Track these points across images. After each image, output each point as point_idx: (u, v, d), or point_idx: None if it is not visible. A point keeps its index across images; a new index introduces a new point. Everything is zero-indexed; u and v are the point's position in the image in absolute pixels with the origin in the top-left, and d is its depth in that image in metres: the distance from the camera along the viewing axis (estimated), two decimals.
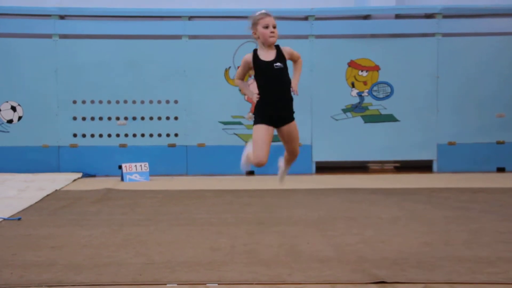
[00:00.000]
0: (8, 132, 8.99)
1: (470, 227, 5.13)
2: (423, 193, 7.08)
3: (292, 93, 4.64)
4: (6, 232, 5.04)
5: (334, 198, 6.81)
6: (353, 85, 9.24)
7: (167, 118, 9.13)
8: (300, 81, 4.83)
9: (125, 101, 9.09)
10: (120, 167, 8.69)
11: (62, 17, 9.08)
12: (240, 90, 9.07)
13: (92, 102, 9.06)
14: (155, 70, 9.07)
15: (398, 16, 9.49)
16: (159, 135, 9.16)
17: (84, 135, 9.08)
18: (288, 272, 3.83)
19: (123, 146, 9.13)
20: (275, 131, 4.69)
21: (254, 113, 4.65)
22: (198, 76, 9.10)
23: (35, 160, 8.97)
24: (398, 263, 4.01)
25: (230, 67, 9.11)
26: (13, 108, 8.98)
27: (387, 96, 9.25)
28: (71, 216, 5.77)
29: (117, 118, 9.12)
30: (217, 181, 8.43)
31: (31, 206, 6.33)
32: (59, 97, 9.00)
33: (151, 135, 9.15)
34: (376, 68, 9.22)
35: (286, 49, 4.63)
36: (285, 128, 4.68)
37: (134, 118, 9.12)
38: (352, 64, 9.21)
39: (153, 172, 8.77)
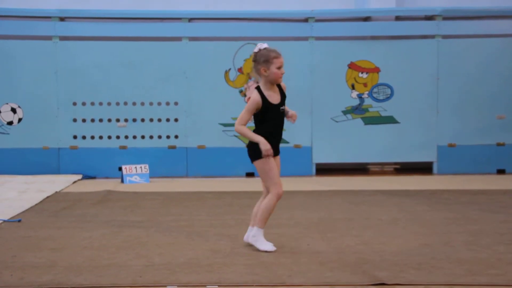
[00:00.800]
0: (8, 134, 8.99)
1: (470, 229, 5.13)
2: (423, 195, 7.08)
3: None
4: (6, 234, 5.05)
5: (334, 199, 6.81)
6: (353, 87, 9.24)
7: (167, 120, 9.13)
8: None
9: (125, 103, 9.09)
10: (120, 169, 8.69)
11: (62, 19, 9.08)
12: (240, 93, 9.10)
13: (92, 104, 9.06)
14: (155, 72, 9.07)
15: (398, 18, 9.49)
16: (159, 137, 9.16)
17: (84, 137, 9.08)
18: (288, 274, 3.83)
19: (123, 148, 9.13)
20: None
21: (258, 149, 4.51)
22: (198, 78, 9.10)
23: (35, 162, 8.97)
24: (398, 264, 4.01)
25: (230, 69, 9.11)
26: (13, 110, 8.98)
27: (387, 98, 9.25)
28: (71, 218, 5.77)
29: (117, 120, 9.12)
30: (217, 183, 8.43)
31: (31, 207, 6.33)
32: (59, 98, 9.00)
33: (151, 137, 9.15)
34: (376, 70, 9.22)
35: (283, 85, 4.63)
36: (276, 159, 4.67)
37: (134, 120, 9.12)
38: (352, 66, 9.21)
39: (153, 174, 8.77)
